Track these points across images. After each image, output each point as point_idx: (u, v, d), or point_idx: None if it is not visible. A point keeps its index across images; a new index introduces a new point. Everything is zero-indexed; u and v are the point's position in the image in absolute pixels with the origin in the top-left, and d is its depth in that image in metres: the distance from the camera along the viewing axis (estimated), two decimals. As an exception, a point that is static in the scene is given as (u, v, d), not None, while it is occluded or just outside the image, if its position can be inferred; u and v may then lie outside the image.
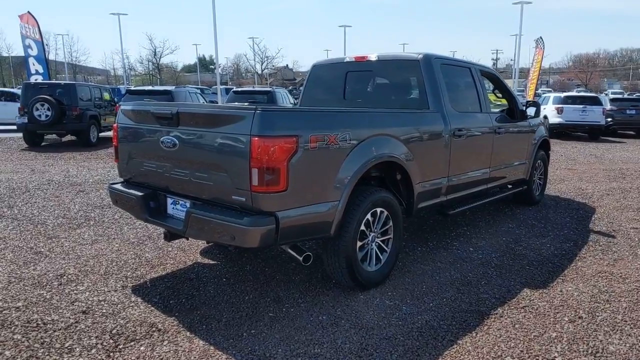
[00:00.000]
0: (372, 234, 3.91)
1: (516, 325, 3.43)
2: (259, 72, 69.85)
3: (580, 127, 17.65)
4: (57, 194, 7.41)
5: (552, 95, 19.86)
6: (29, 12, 16.85)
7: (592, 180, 9.11)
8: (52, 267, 4.38)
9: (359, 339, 3.21)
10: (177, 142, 3.47)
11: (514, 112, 6.07)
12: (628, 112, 18.71)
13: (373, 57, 5.04)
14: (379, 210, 3.89)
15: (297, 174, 3.17)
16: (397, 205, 4.06)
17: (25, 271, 4.28)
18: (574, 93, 23.23)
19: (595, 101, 17.89)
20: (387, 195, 3.94)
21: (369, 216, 3.79)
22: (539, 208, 6.87)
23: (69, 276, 4.17)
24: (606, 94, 34.99)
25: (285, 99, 15.94)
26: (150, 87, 14.37)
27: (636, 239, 5.44)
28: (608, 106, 18.68)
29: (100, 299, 3.76)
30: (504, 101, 6.49)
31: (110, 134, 16.23)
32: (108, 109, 14.74)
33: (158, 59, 67.02)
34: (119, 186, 4.12)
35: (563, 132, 18.05)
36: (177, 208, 3.70)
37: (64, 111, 12.66)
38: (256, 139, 3.01)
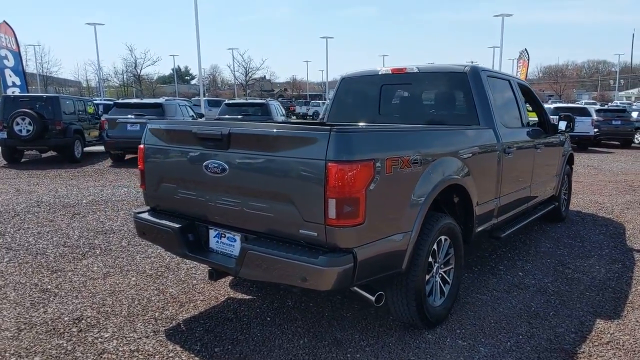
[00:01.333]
0: (436, 265, 3.52)
1: (612, 367, 3.08)
2: (243, 83, 68.86)
3: (570, 138, 17.70)
4: (51, 217, 6.79)
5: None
6: (5, 21, 16.02)
7: (604, 193, 8.94)
8: (66, 308, 3.83)
9: (446, 391, 2.80)
10: (226, 166, 3.01)
11: (545, 125, 5.80)
12: (614, 122, 18.92)
13: (413, 69, 4.68)
14: (442, 238, 3.50)
15: (373, 203, 2.75)
16: (459, 232, 3.68)
17: (35, 314, 3.72)
18: (563, 104, 23.47)
19: (584, 112, 18.03)
20: (451, 222, 3.56)
21: (434, 245, 3.40)
22: (567, 225, 6.60)
23: (88, 320, 3.63)
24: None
25: (279, 111, 15.48)
26: (139, 100, 13.66)
27: (684, 258, 5.19)
28: (594, 117, 18.86)
29: (132, 348, 3.24)
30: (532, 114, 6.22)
31: (96, 148, 15.71)
32: (92, 122, 14.03)
33: (139, 70, 65.56)
34: (146, 215, 3.61)
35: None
36: (222, 242, 3.23)
37: (47, 126, 11.92)
38: (333, 164, 2.58)
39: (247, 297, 4.09)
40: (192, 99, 36.08)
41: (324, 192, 2.61)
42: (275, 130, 2.85)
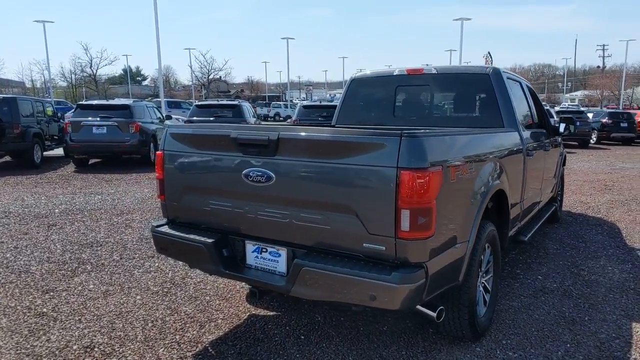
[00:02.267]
0: (480, 274, 3.36)
1: (670, 375, 3.00)
2: (202, 83, 67.07)
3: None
4: (24, 229, 6.21)
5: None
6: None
7: (584, 193, 9.14)
8: (71, 335, 3.41)
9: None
10: (272, 175, 2.72)
11: (547, 127, 5.79)
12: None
13: (431, 70, 4.52)
14: (486, 245, 3.35)
15: (440, 212, 2.55)
16: (498, 238, 3.54)
17: (37, 344, 3.29)
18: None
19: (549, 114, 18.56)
20: (494, 228, 3.41)
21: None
22: (563, 225, 6.64)
23: (101, 347, 3.24)
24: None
25: (250, 113, 15.06)
26: (104, 101, 12.88)
27: (686, 256, 5.29)
28: (556, 118, 19.49)
29: (162, 378, 2.90)
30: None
31: (56, 152, 14.69)
32: (51, 125, 13.16)
33: (95, 70, 62.63)
34: (168, 229, 3.26)
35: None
36: (263, 257, 2.93)
37: (3, 129, 11.05)
38: (406, 172, 2.35)
39: (270, 313, 3.80)
40: (146, 99, 34.62)
41: (395, 202, 2.38)
42: (333, 135, 2.59)
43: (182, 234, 3.13)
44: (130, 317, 3.69)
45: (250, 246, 2.98)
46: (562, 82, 74.51)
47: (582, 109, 27.74)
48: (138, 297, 4.08)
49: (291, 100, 53.69)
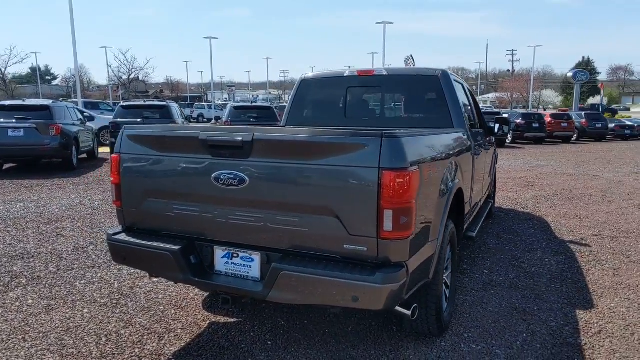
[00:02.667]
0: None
1: (616, 356, 3.26)
2: (120, 83, 63.74)
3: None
4: (-62, 242, 5.58)
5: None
6: None
7: (510, 190, 9.72)
8: (17, 355, 3.11)
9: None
10: (245, 177, 2.63)
11: (483, 127, 6.09)
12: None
13: (382, 72, 4.60)
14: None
15: (418, 212, 2.59)
16: (455, 235, 3.67)
17: (-24, 368, 2.97)
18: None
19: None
20: (454, 226, 3.53)
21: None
22: (497, 221, 7.02)
23: (53, 367, 2.98)
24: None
25: (178, 113, 14.49)
26: (20, 102, 11.83)
27: (609, 247, 5.78)
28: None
29: (127, 397, 2.71)
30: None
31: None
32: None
33: (4, 69, 57.69)
34: (126, 237, 3.05)
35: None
36: (234, 262, 2.82)
37: None
38: (388, 172, 2.37)
39: (232, 320, 3.68)
40: (60, 99, 32.26)
41: (377, 202, 2.39)
42: (311, 136, 2.55)
43: (144, 242, 2.95)
44: (80, 333, 3.42)
45: (219, 252, 2.86)
46: (475, 84, 78.98)
47: (495, 110, 29.55)
48: (85, 310, 3.80)
49: (213, 102, 52.57)
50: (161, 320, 3.64)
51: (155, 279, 4.34)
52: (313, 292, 2.52)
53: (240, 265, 2.81)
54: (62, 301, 3.97)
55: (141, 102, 15.09)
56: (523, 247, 5.70)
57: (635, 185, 10.43)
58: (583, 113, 28.16)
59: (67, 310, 3.79)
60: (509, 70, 77.56)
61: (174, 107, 14.32)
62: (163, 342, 3.32)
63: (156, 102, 14.75)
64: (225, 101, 55.47)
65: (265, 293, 2.62)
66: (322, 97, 4.90)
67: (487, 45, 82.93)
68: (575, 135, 25.36)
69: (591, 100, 67.25)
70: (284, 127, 4.94)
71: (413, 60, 23.78)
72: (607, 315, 3.85)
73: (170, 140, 2.89)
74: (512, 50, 75.48)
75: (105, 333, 3.42)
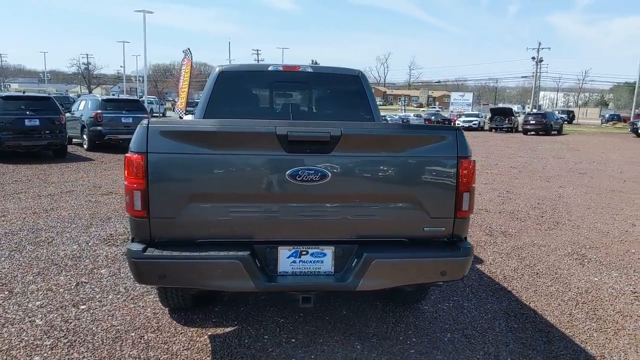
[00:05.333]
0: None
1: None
2: None
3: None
4: None
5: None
6: None
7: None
8: None
9: (493, 341, 3.40)
10: (327, 172, 2.62)
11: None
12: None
13: (307, 69, 4.78)
14: None
15: None
16: None
17: None
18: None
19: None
20: None
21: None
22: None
23: None
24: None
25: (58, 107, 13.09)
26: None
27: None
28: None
29: None
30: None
31: None
32: None
33: None
34: (162, 252, 2.60)
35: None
36: (303, 260, 2.76)
37: None
38: (464, 160, 2.75)
39: (229, 328, 3.46)
40: None
41: (456, 186, 2.75)
42: (398, 130, 2.72)
43: (200, 253, 2.60)
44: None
45: (284, 252, 2.76)
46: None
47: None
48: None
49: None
50: (151, 348, 3.16)
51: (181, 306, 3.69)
52: (404, 275, 2.75)
53: (310, 262, 2.78)
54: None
55: (21, 94, 14.33)
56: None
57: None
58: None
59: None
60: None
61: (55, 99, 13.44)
62: (180, 365, 2.95)
63: (40, 94, 14.47)
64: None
65: (356, 283, 2.69)
66: (245, 91, 4.78)
67: (229, 42, 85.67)
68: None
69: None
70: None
71: (190, 53, 23.18)
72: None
73: (232, 136, 2.62)
74: (257, 50, 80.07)
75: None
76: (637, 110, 48.52)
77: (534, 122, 33.17)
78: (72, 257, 4.91)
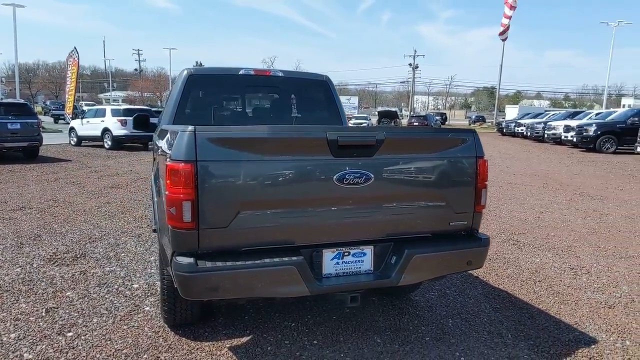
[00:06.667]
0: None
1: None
2: None
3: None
4: None
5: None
6: None
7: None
8: None
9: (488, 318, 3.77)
10: (371, 175, 2.73)
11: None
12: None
13: (277, 73, 4.81)
14: None
15: None
16: None
17: None
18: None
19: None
20: None
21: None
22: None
23: None
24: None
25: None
26: None
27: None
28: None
29: None
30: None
31: None
32: None
33: None
34: (215, 263, 2.52)
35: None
36: (346, 261, 2.83)
37: None
38: (481, 160, 3.04)
39: (244, 338, 3.40)
40: None
41: (475, 184, 3.03)
42: (429, 133, 2.91)
43: (255, 261, 2.56)
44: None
45: (328, 254, 2.81)
46: (107, 81, 75.56)
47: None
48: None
49: None
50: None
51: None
52: (439, 267, 2.96)
53: (352, 262, 2.86)
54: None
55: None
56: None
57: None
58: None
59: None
60: (136, 70, 77.79)
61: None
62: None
63: (17, 100, 15.09)
64: None
65: (398, 278, 2.84)
66: (216, 94, 4.67)
67: (104, 41, 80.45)
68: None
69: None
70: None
71: (77, 53, 21.41)
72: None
73: (282, 142, 2.61)
74: (138, 50, 76.05)
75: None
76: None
77: (417, 123, 35.95)
78: (21, 281, 4.40)
